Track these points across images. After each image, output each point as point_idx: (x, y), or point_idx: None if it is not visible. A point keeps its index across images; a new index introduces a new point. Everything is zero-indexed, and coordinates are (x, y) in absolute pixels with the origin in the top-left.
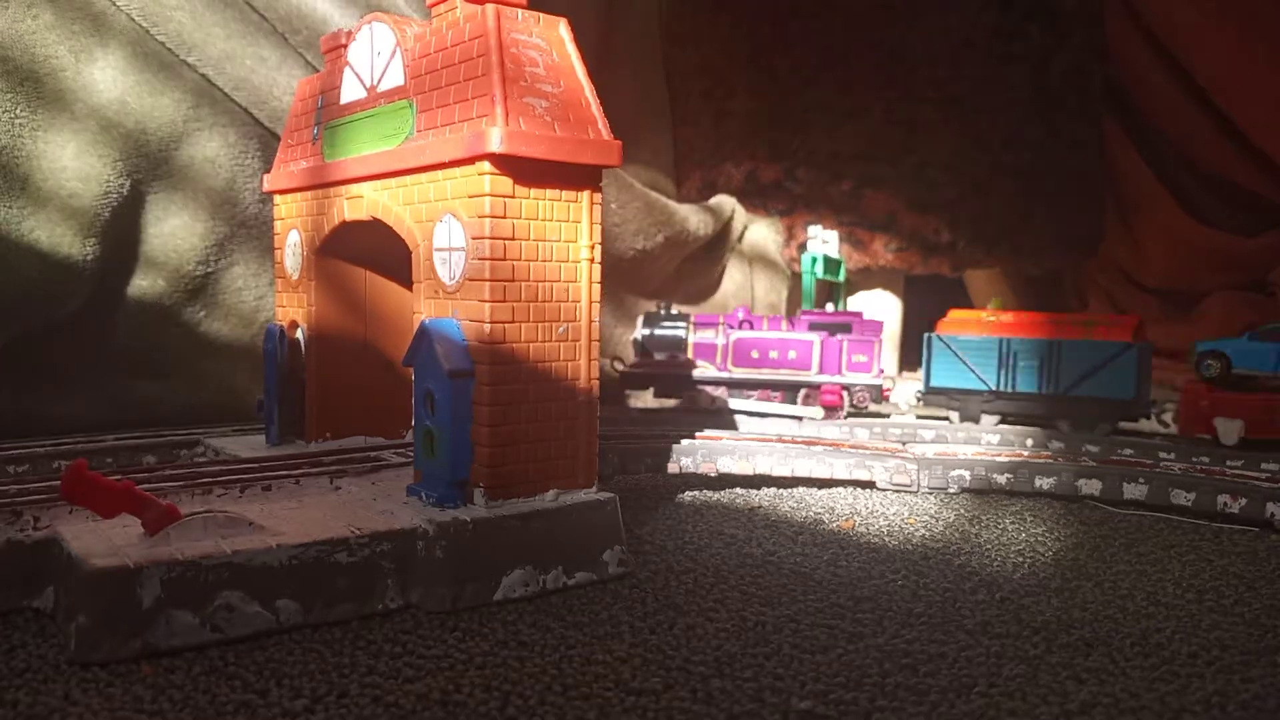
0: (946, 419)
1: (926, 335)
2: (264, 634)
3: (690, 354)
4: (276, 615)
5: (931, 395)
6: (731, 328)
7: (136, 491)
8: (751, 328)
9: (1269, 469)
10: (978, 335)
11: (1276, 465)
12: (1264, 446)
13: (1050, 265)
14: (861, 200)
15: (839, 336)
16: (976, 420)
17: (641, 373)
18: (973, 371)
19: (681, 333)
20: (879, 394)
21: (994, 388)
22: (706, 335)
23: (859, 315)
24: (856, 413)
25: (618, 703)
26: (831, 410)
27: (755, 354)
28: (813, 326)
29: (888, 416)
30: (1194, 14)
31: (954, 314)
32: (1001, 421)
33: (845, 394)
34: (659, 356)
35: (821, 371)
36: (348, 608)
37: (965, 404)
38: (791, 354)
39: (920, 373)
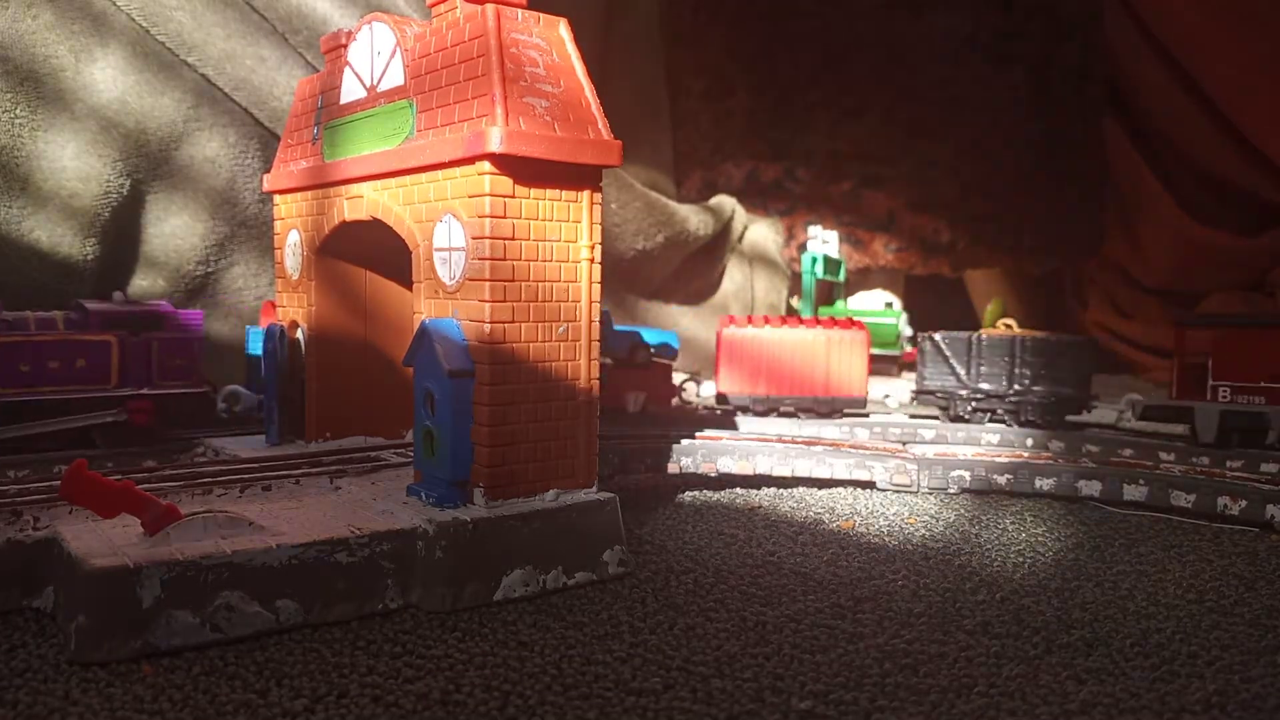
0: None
1: None
2: (264, 634)
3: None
4: (276, 615)
5: None
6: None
7: (136, 491)
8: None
9: (1268, 471)
10: None
11: (1277, 467)
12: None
13: (1050, 265)
14: (861, 200)
15: (145, 336)
16: None
17: None
18: None
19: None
20: (199, 405)
21: None
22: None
23: (167, 308)
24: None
25: (618, 703)
26: (143, 429)
27: (26, 367)
28: (106, 323)
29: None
30: (1194, 14)
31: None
32: None
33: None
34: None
35: (122, 384)
36: (348, 608)
37: None
38: (80, 362)
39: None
